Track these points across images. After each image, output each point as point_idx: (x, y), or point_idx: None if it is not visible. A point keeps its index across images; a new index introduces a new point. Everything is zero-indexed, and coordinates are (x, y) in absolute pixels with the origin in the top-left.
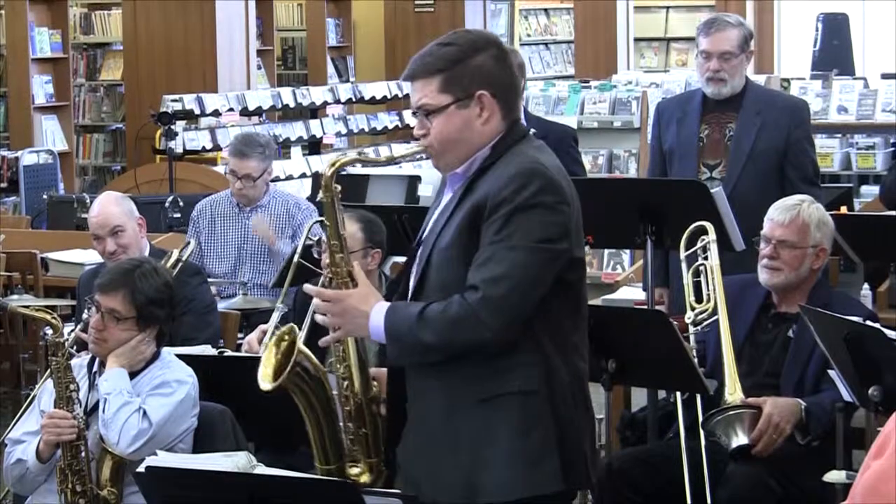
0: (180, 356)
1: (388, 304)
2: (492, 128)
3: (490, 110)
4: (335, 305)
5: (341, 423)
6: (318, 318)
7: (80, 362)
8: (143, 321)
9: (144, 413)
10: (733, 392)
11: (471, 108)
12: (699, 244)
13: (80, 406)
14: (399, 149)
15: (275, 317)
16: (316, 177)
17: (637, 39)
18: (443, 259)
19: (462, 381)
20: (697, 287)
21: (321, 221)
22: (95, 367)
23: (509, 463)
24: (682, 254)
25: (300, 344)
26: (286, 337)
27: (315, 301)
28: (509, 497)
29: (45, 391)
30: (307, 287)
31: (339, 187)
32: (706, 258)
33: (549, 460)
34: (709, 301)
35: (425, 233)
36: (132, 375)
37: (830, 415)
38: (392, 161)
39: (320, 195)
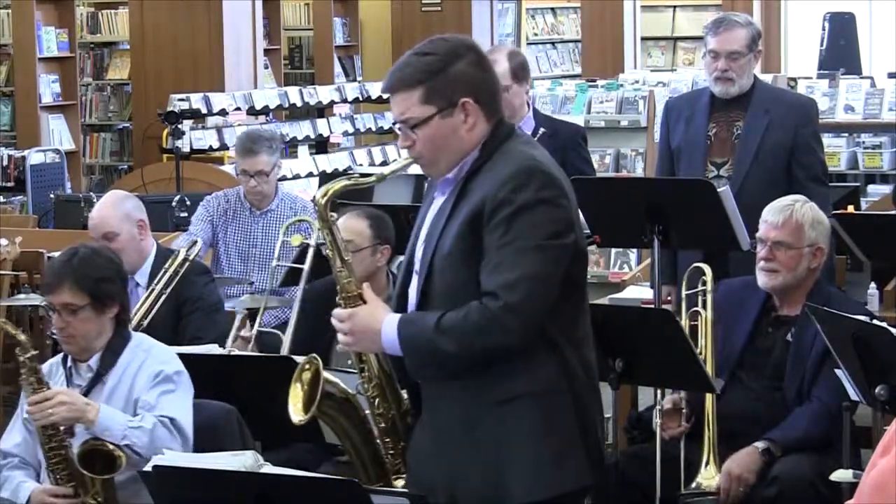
0: (187, 355)
1: (398, 316)
2: (477, 133)
3: (475, 116)
4: (346, 324)
5: (378, 441)
6: (340, 337)
7: (55, 360)
8: (99, 303)
9: (172, 423)
10: (710, 477)
11: (455, 116)
12: (699, 287)
13: None
14: (389, 164)
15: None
16: (323, 176)
17: (644, 38)
18: (445, 265)
19: (478, 385)
20: (693, 330)
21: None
22: (70, 363)
23: (536, 463)
24: (683, 292)
25: (326, 373)
26: (307, 367)
27: (333, 321)
28: (539, 497)
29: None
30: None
31: (334, 215)
32: (704, 304)
33: (574, 457)
34: (701, 353)
35: (419, 237)
36: (110, 358)
37: (803, 438)
38: (383, 178)
39: (317, 226)
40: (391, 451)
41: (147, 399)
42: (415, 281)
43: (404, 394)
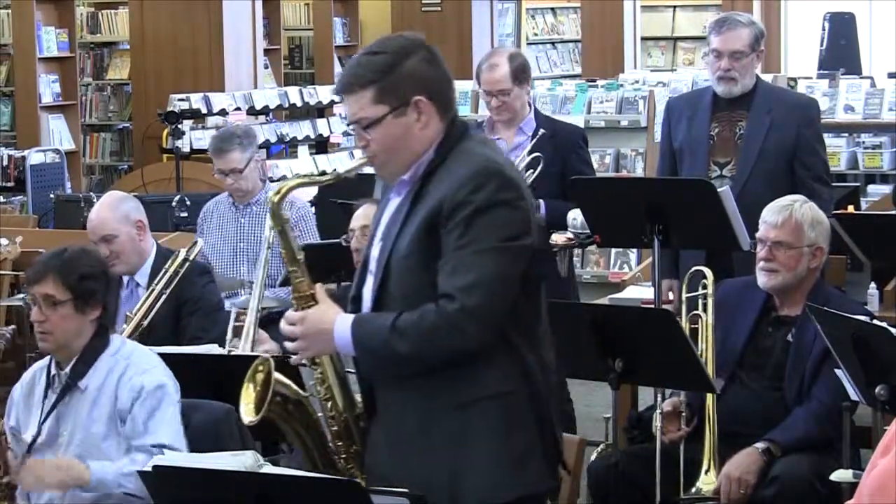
0: (187, 355)
1: (351, 316)
2: (432, 131)
3: (428, 114)
4: (297, 327)
5: (331, 444)
6: (287, 344)
7: (40, 365)
8: (81, 301)
9: (165, 450)
10: (711, 483)
11: (408, 114)
12: (700, 290)
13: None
14: (346, 163)
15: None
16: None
17: (644, 38)
18: (402, 268)
19: (436, 388)
20: (694, 333)
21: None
22: (53, 370)
23: (495, 466)
24: (684, 295)
25: (276, 374)
26: (261, 368)
27: (281, 325)
28: (499, 500)
29: (14, 404)
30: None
31: (287, 215)
32: (705, 307)
33: (534, 460)
34: (701, 356)
35: (375, 238)
36: (82, 367)
37: (803, 439)
38: (339, 178)
39: (270, 224)
40: (343, 455)
41: (135, 427)
42: (370, 282)
43: (358, 397)
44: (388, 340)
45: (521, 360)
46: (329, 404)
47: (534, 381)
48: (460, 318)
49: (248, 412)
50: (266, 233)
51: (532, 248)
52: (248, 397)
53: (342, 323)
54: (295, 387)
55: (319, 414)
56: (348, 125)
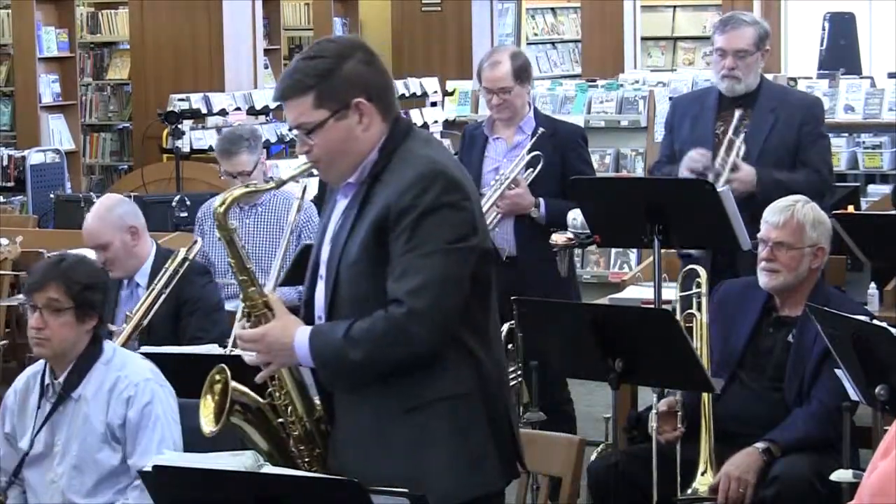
0: (187, 355)
1: (309, 328)
2: (374, 132)
3: (369, 116)
4: (259, 344)
5: (293, 449)
6: (246, 357)
7: (33, 371)
8: (81, 310)
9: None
10: (706, 483)
11: (349, 117)
12: (694, 289)
13: None
14: (287, 170)
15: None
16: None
17: (644, 38)
18: (352, 274)
19: (390, 392)
20: (688, 332)
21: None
22: (48, 379)
23: (449, 468)
24: (678, 293)
25: (233, 382)
26: (218, 378)
27: (238, 343)
28: (456, 501)
29: (8, 411)
30: (237, 333)
31: (234, 223)
32: (699, 306)
33: (488, 459)
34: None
35: (324, 241)
36: (76, 378)
37: (803, 439)
38: (281, 184)
39: (217, 235)
40: (307, 459)
41: (128, 447)
42: (321, 286)
43: (317, 400)
44: (342, 350)
45: (475, 361)
46: (289, 409)
47: (489, 381)
48: (408, 322)
49: (207, 423)
50: (291, 217)
51: (479, 248)
52: (206, 408)
53: (301, 336)
54: (254, 394)
55: (280, 420)
56: (290, 130)
